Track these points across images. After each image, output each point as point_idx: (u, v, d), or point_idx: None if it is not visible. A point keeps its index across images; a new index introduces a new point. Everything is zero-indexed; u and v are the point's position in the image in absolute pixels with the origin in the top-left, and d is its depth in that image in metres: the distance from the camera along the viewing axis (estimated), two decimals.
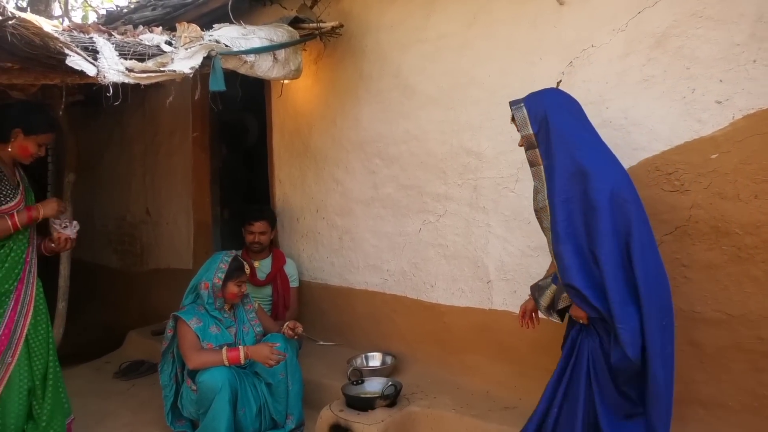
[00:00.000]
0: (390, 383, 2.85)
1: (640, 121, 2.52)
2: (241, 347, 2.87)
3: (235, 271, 3.04)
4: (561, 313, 2.28)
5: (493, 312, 3.08)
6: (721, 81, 2.29)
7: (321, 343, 3.37)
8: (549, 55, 2.78)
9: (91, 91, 2.90)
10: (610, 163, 2.15)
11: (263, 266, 3.78)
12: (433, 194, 3.28)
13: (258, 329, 3.17)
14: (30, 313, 2.73)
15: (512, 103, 2.26)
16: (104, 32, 2.43)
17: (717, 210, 2.32)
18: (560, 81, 2.76)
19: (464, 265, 3.19)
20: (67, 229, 2.78)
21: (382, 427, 2.68)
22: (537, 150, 2.19)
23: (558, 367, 2.22)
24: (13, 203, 2.68)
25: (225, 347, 2.86)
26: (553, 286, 2.24)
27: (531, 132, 2.19)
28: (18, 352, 2.67)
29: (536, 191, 2.22)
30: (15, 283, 2.67)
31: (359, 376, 3.09)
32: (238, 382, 2.87)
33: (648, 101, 2.50)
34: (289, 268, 3.85)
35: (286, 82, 3.82)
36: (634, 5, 2.50)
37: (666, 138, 2.45)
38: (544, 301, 2.27)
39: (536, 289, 2.34)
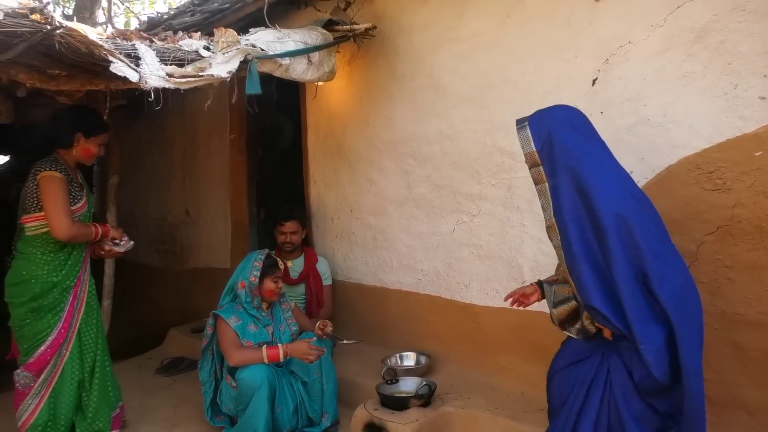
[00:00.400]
0: (424, 383, 2.86)
1: (680, 119, 2.46)
2: (280, 345, 2.93)
3: (269, 268, 3.10)
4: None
5: (527, 312, 3.02)
6: (765, 76, 2.22)
7: (344, 341, 3.36)
8: (584, 52, 2.74)
9: (133, 95, 3.01)
10: (617, 179, 2.07)
11: (296, 265, 3.84)
12: (467, 194, 3.27)
13: (294, 328, 3.22)
14: (83, 309, 2.94)
15: (517, 122, 2.22)
16: (146, 39, 2.52)
17: (761, 209, 2.25)
18: (596, 79, 2.72)
19: (498, 266, 3.17)
20: (118, 247, 3.04)
21: (416, 427, 2.69)
22: (541, 168, 2.13)
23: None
24: (80, 204, 2.92)
25: (264, 345, 2.92)
26: (573, 303, 2.16)
27: (534, 150, 2.14)
28: (71, 345, 2.86)
29: (543, 209, 2.18)
30: (74, 281, 2.90)
31: (393, 375, 3.11)
32: (276, 380, 2.93)
33: (688, 98, 2.44)
34: (322, 267, 3.90)
35: (320, 84, 3.87)
36: (672, 0, 2.44)
37: (707, 135, 2.39)
38: (559, 312, 2.19)
39: (550, 293, 2.25)
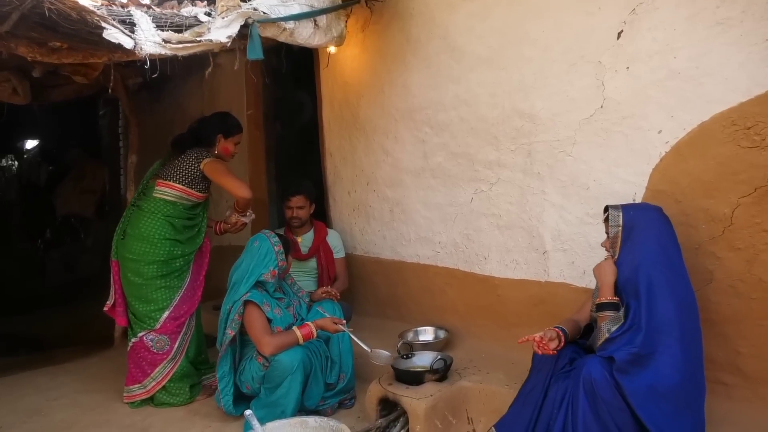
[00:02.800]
0: (439, 357, 2.75)
1: (714, 70, 2.25)
2: (309, 323, 2.86)
3: (286, 245, 3.03)
4: None
5: (549, 284, 2.91)
6: None
7: (354, 338, 2.98)
8: (608, 3, 2.54)
9: (151, 75, 2.95)
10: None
11: (305, 240, 3.76)
12: (485, 162, 3.11)
13: (306, 299, 3.17)
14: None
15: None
16: (143, 6, 2.43)
17: None
18: (621, 32, 2.51)
19: (518, 236, 3.02)
20: (245, 217, 3.34)
21: (431, 402, 2.59)
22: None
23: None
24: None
25: (295, 327, 2.85)
26: None
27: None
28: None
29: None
30: (196, 250, 3.35)
31: (409, 350, 3.01)
32: (311, 361, 2.86)
33: (723, 47, 2.22)
34: (332, 239, 3.80)
35: (332, 51, 3.74)
36: None
37: (744, 88, 2.18)
38: None
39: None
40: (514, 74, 2.92)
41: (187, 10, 2.55)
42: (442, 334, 3.29)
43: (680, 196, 2.39)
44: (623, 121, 2.54)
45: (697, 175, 2.33)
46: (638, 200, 2.52)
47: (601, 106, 2.60)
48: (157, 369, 3.16)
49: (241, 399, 3.02)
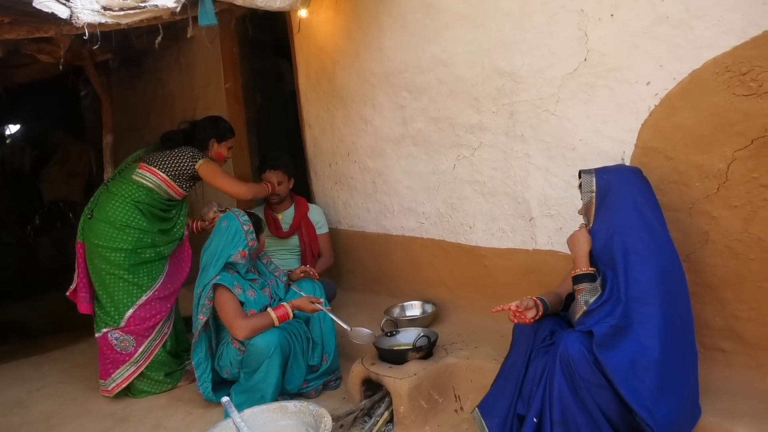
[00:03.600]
0: (422, 334, 2.62)
1: (705, 12, 2.04)
2: (284, 304, 2.72)
3: (257, 224, 2.89)
4: None
5: (537, 252, 2.76)
6: None
7: (335, 318, 2.79)
8: None
9: (94, 46, 2.76)
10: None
11: (286, 217, 3.60)
12: (466, 125, 2.93)
13: (284, 278, 3.03)
14: None
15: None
16: None
17: None
18: None
19: (504, 203, 2.86)
20: (223, 213, 3.11)
21: (414, 381, 2.48)
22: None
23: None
24: None
25: (269, 308, 2.72)
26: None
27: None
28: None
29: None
30: (171, 249, 3.23)
31: (394, 326, 2.89)
32: (290, 343, 2.74)
33: None
34: (314, 215, 3.64)
35: (303, 15, 3.53)
36: None
37: (739, 29, 1.98)
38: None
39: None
40: (493, 30, 2.72)
41: None
42: (429, 308, 3.16)
43: (672, 153, 2.21)
44: (609, 74, 2.35)
45: (690, 129, 2.15)
46: (627, 159, 2.35)
47: (585, 59, 2.40)
48: (118, 371, 3.04)
49: (223, 384, 2.92)
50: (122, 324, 3.02)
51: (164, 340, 3.14)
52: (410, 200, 3.33)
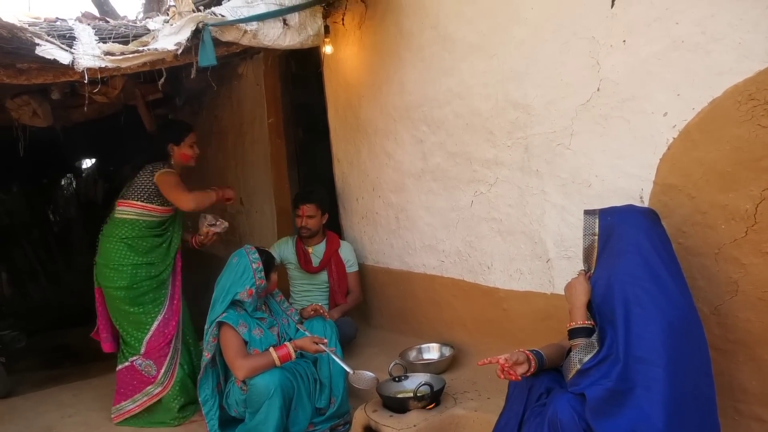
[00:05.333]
0: (423, 382, 2.47)
1: (723, 34, 1.83)
2: (287, 343, 2.67)
3: (268, 263, 2.86)
4: None
5: (555, 297, 2.54)
6: None
7: (336, 358, 2.72)
8: None
9: (183, 89, 2.90)
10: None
11: (317, 251, 3.56)
12: (482, 160, 2.79)
13: (296, 317, 2.97)
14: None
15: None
16: (96, 20, 2.34)
17: None
18: (614, 1, 2.12)
19: (520, 242, 2.67)
20: (214, 227, 3.20)
21: None
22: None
23: None
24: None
25: (271, 347, 2.68)
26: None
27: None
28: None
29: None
30: (170, 271, 3.20)
31: (403, 371, 2.74)
32: (293, 384, 2.67)
33: (732, 5, 1.80)
34: (345, 252, 3.57)
35: (328, 51, 3.55)
36: None
37: (761, 52, 1.75)
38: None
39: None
40: (506, 60, 2.59)
41: (145, 21, 2.44)
42: (447, 351, 2.99)
43: (693, 191, 1.97)
44: (623, 104, 2.15)
45: (711, 164, 1.91)
46: (645, 197, 2.12)
47: (598, 89, 2.22)
48: (141, 392, 3.09)
49: (234, 422, 2.88)
50: (142, 351, 3.09)
51: (178, 358, 3.16)
52: (431, 237, 3.21)
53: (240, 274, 2.76)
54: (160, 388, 3.09)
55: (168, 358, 3.12)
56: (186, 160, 3.18)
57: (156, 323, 3.11)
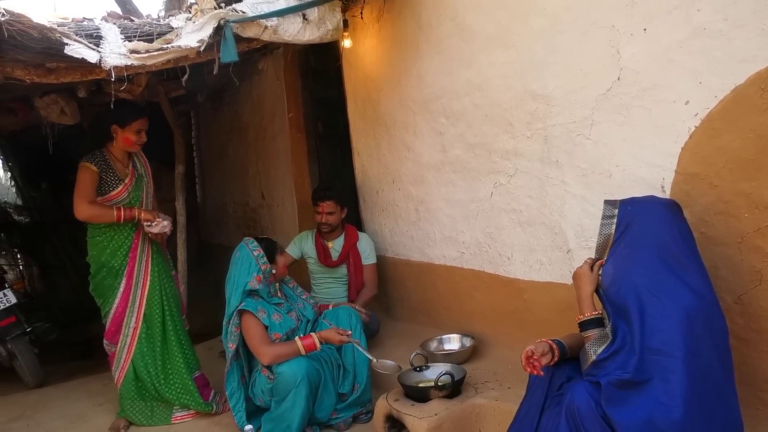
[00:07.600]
0: (444, 371, 2.49)
1: (745, 21, 1.80)
2: (313, 334, 2.72)
3: (270, 248, 2.91)
4: None
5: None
6: None
7: (361, 348, 2.80)
8: None
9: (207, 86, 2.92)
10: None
11: (336, 245, 3.60)
12: (502, 151, 2.79)
13: (311, 301, 3.04)
14: (147, 286, 3.15)
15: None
16: (121, 19, 2.40)
17: None
18: None
19: (540, 233, 2.67)
20: (150, 227, 3.05)
21: (435, 422, 2.35)
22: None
23: None
24: (114, 192, 3.06)
25: (297, 337, 2.73)
26: None
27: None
28: (140, 320, 3.14)
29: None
30: (125, 260, 3.11)
31: (424, 361, 2.77)
32: (320, 372, 2.73)
33: None
34: (363, 245, 3.61)
35: (347, 45, 3.57)
36: None
37: None
38: None
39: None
40: (524, 51, 2.58)
41: (168, 19, 2.49)
42: (467, 342, 3.02)
43: (716, 180, 1.96)
44: (644, 93, 2.13)
45: (735, 153, 1.89)
46: (667, 187, 2.11)
47: (618, 78, 2.21)
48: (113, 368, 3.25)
49: (259, 411, 2.94)
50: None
51: (134, 345, 3.15)
52: (451, 229, 3.22)
53: (245, 265, 2.83)
54: (117, 372, 3.20)
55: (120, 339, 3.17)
56: (129, 144, 3.00)
57: (112, 310, 3.14)
